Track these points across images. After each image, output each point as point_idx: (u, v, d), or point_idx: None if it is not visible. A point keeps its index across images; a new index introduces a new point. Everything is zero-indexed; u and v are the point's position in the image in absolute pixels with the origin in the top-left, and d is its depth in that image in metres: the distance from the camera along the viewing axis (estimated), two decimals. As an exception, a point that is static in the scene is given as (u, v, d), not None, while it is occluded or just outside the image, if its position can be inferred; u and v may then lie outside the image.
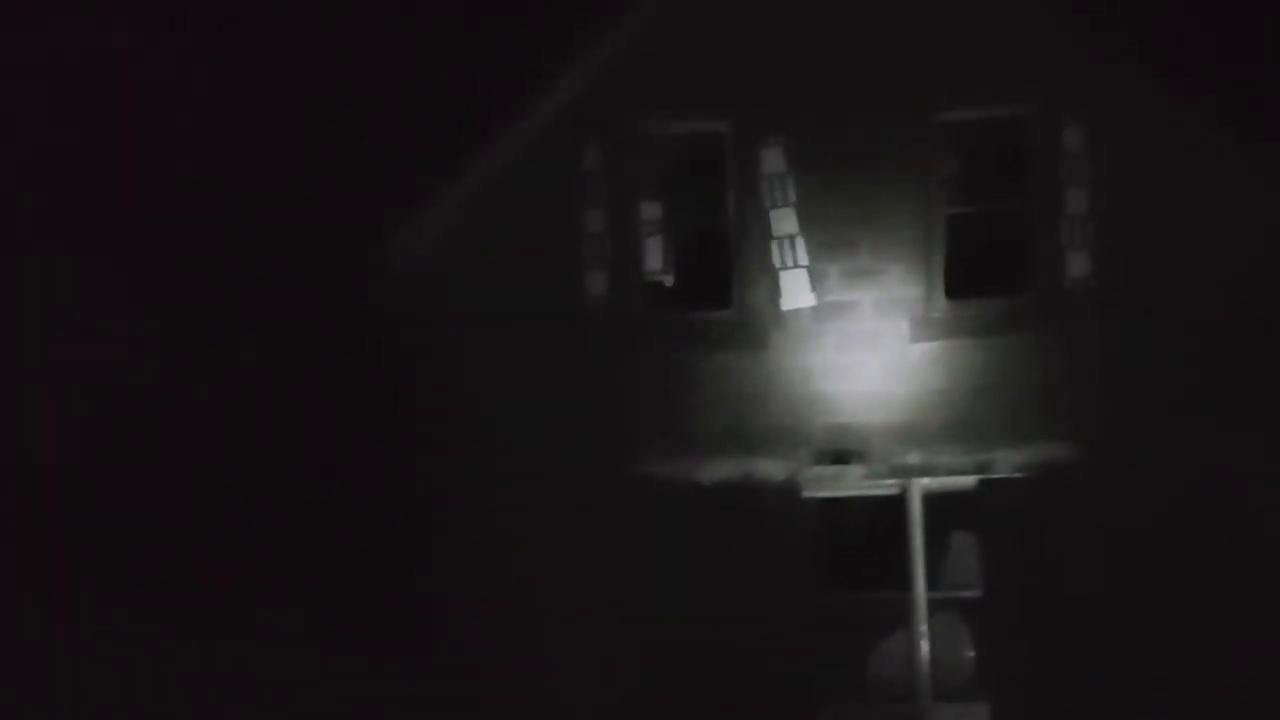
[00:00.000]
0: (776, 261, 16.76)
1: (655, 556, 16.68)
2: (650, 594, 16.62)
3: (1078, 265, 16.52)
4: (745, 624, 16.44)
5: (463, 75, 19.43)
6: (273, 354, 19.75)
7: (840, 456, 16.70)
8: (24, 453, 19.71)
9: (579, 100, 17.12)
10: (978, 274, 16.76)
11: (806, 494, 16.84)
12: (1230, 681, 15.97)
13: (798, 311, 16.76)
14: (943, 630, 16.71)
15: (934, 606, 16.70)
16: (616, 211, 17.04)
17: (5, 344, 19.88)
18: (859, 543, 17.25)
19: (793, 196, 16.76)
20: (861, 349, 16.75)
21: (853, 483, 16.84)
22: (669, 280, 17.16)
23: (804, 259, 16.72)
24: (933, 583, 16.75)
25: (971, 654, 16.82)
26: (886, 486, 16.84)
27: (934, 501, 16.74)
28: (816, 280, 16.75)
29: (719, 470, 16.78)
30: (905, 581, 16.67)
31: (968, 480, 16.65)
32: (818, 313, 16.79)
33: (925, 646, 16.61)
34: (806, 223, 16.74)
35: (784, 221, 16.74)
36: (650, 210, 17.07)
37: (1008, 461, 16.54)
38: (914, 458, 16.67)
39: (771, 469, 16.76)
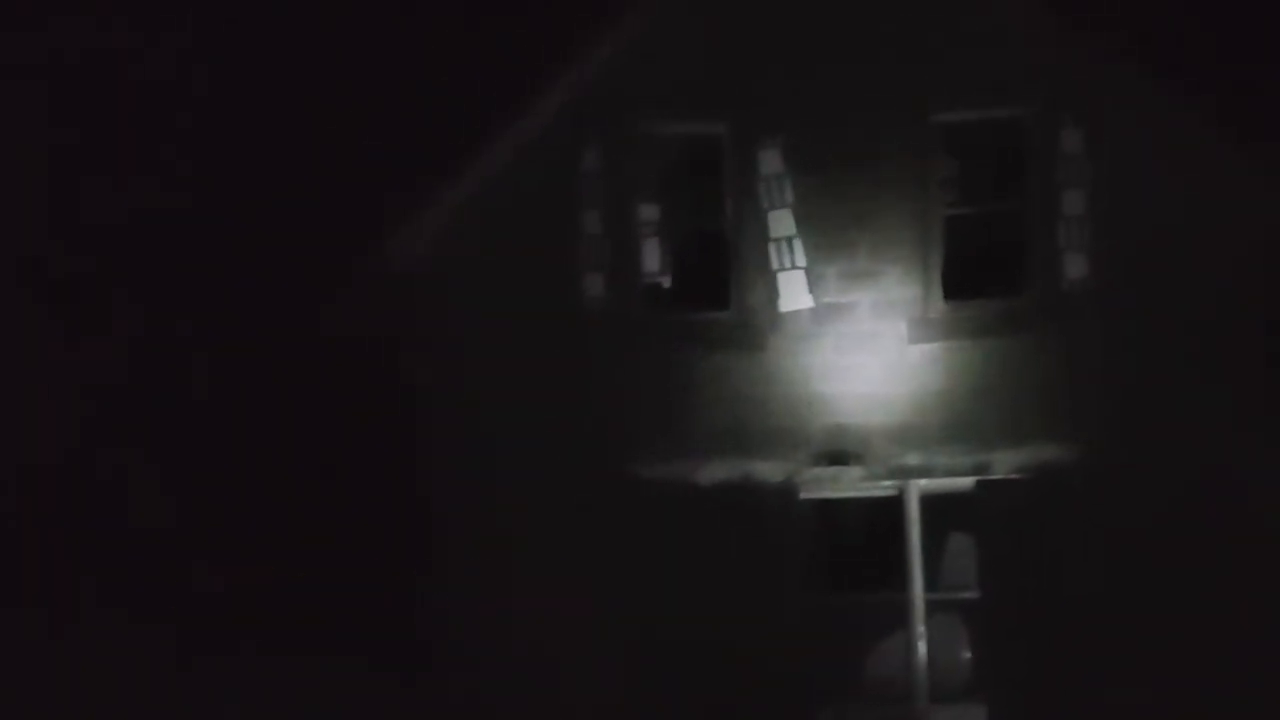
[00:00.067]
0: (774, 263, 16.76)
1: (654, 557, 16.68)
2: (649, 594, 16.62)
3: (1076, 266, 16.50)
4: (743, 624, 16.44)
5: (463, 75, 19.42)
6: (272, 354, 19.76)
7: (838, 457, 16.70)
8: (24, 453, 19.74)
9: (578, 101, 17.12)
10: (976, 275, 16.74)
11: (805, 495, 16.85)
12: (1230, 682, 15.97)
13: (796, 313, 16.77)
14: (940, 632, 16.73)
15: (932, 608, 16.71)
16: (615, 212, 17.03)
17: (5, 344, 19.90)
18: (857, 544, 17.29)
19: (791, 198, 16.76)
20: (859, 350, 16.75)
21: (851, 484, 16.84)
22: (667, 281, 17.17)
23: (802, 260, 16.72)
24: (930, 584, 16.76)
25: (969, 655, 16.83)
26: (885, 488, 16.83)
27: (932, 503, 16.74)
28: (814, 281, 16.75)
29: (717, 471, 16.79)
30: (903, 583, 16.67)
31: (966, 481, 16.64)
32: (816, 314, 16.78)
33: (923, 648, 16.61)
34: (804, 224, 16.74)
35: (782, 223, 16.75)
36: (648, 211, 17.08)
37: (1006, 463, 16.53)
38: (912, 459, 16.66)
39: (770, 470, 16.76)
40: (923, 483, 16.70)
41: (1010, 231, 16.81)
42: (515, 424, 17.00)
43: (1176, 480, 16.24)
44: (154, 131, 20.64)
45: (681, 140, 17.25)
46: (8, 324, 20.01)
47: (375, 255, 17.24)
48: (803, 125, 16.82)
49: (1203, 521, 16.17)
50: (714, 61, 17.00)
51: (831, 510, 17.08)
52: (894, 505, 16.82)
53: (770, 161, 16.79)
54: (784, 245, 16.72)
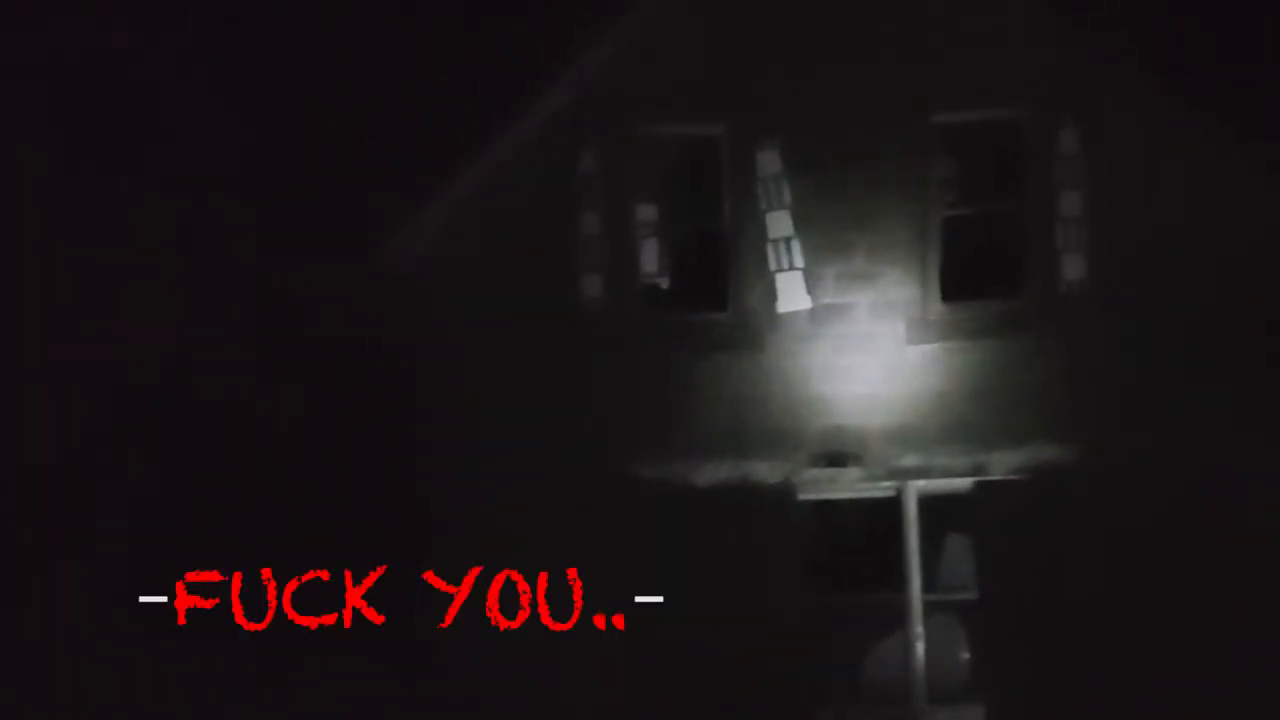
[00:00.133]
0: (772, 264, 16.74)
1: (653, 557, 16.67)
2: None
3: (1075, 267, 16.47)
4: (741, 625, 16.43)
5: (462, 75, 19.45)
6: (272, 354, 19.78)
7: (836, 458, 16.69)
8: (24, 453, 19.76)
9: (577, 101, 17.11)
10: (975, 276, 16.73)
11: (803, 496, 16.84)
12: (1230, 682, 15.97)
13: (794, 314, 16.75)
14: (939, 632, 16.71)
15: (930, 609, 16.70)
16: (614, 213, 17.02)
17: (5, 344, 19.92)
18: (855, 545, 17.25)
19: (789, 199, 16.73)
20: (858, 351, 16.73)
21: (849, 485, 16.83)
22: (666, 282, 17.12)
23: (800, 261, 16.70)
24: (929, 585, 16.75)
25: (967, 656, 16.81)
26: (883, 488, 16.82)
27: (930, 503, 16.73)
28: (812, 282, 16.73)
29: (715, 472, 16.78)
30: (901, 583, 16.66)
31: (964, 482, 16.63)
32: (814, 315, 16.77)
33: (921, 648, 16.61)
34: (802, 225, 16.72)
35: (780, 224, 16.72)
36: (647, 212, 17.03)
37: (1004, 463, 16.52)
38: (910, 460, 16.65)
39: (768, 471, 16.75)
40: (921, 483, 16.69)
41: (1009, 232, 16.80)
42: (515, 424, 16.99)
43: (1176, 480, 16.23)
44: (154, 131, 20.65)
45: (680, 141, 17.24)
46: (8, 324, 20.02)
47: (375, 255, 17.24)
48: (802, 126, 16.80)
49: (1203, 521, 16.17)
50: (713, 62, 16.99)
51: (830, 511, 17.07)
52: (892, 506, 16.81)
53: (769, 162, 16.77)
54: (782, 246, 16.70)
